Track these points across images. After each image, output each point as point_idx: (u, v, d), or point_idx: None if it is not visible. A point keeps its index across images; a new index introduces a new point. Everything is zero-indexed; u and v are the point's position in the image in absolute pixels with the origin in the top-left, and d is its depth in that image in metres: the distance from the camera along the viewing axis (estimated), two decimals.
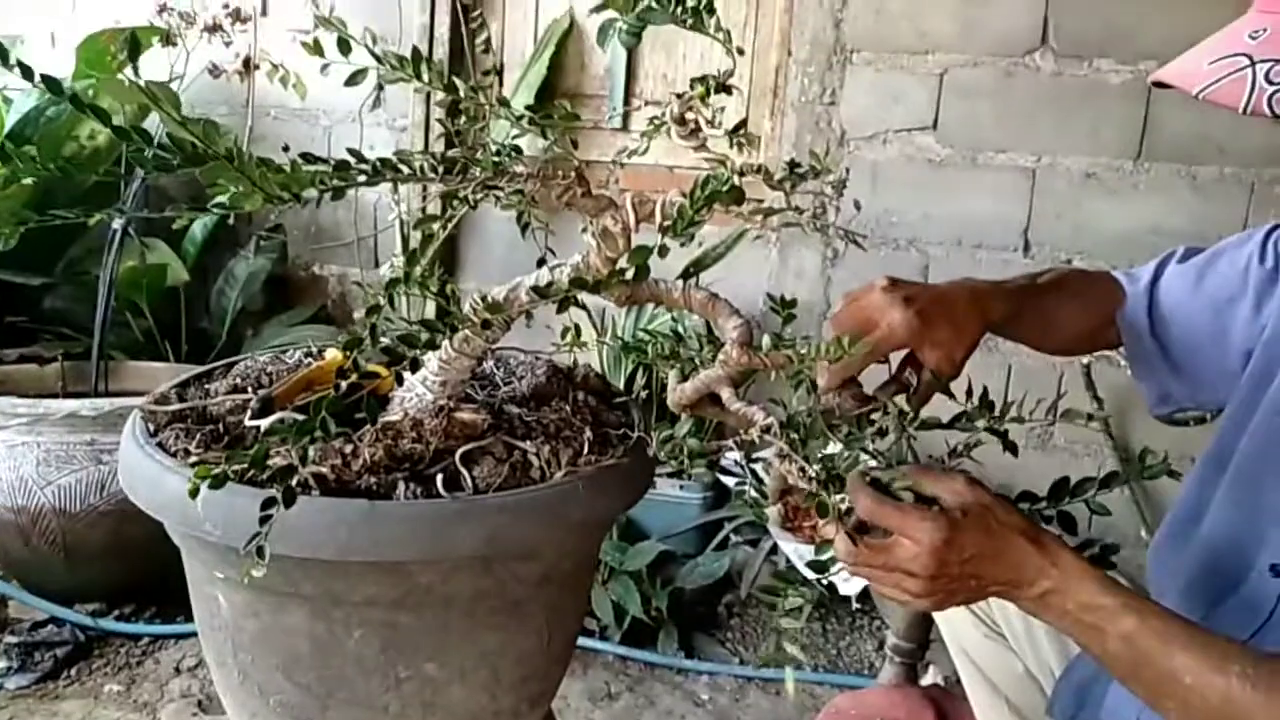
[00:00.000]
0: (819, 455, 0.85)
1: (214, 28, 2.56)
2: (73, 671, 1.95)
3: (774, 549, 2.27)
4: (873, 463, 0.84)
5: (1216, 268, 1.08)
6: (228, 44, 2.61)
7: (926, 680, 1.78)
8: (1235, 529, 0.95)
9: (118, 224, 2.24)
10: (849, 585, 2.07)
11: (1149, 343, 1.11)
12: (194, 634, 2.05)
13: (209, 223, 2.69)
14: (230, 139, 0.76)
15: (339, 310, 2.95)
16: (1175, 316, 1.10)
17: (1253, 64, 0.75)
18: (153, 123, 2.43)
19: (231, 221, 2.75)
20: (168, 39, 2.45)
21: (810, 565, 0.83)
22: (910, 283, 0.98)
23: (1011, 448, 0.87)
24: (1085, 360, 2.31)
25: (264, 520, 0.75)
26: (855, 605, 2.27)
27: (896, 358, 0.99)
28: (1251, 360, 1.02)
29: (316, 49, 0.83)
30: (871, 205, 2.41)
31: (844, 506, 0.85)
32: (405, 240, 2.65)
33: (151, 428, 1.00)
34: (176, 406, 1.03)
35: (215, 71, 2.65)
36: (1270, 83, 0.73)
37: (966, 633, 1.25)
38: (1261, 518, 0.93)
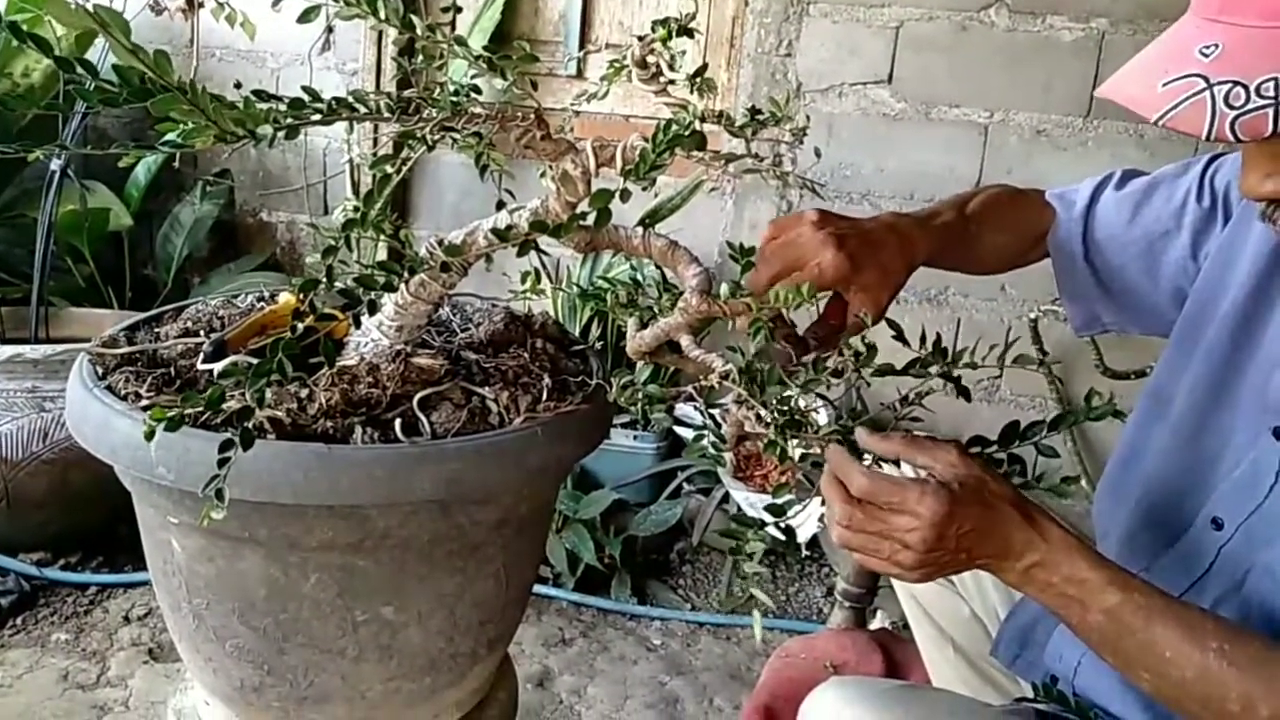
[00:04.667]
0: (775, 400, 0.85)
1: None
2: (18, 621, 1.92)
3: (725, 498, 2.30)
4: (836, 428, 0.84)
5: (1152, 201, 1.08)
6: None
7: (875, 625, 1.82)
8: (1176, 480, 0.97)
9: (56, 164, 2.17)
10: (804, 531, 2.10)
11: (1082, 267, 1.11)
12: (143, 583, 2.03)
13: (152, 166, 2.61)
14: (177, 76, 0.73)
15: (288, 257, 2.89)
16: (1109, 246, 1.10)
17: (1209, 86, 0.71)
18: (92, 59, 2.35)
19: (176, 165, 2.68)
20: None
21: (768, 509, 0.85)
22: (840, 217, 0.96)
23: (964, 392, 0.89)
24: (1033, 315, 2.35)
25: (222, 463, 0.74)
26: (805, 553, 2.31)
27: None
28: (1186, 303, 1.03)
29: None
30: (826, 158, 2.42)
31: (798, 452, 0.86)
32: (356, 185, 2.60)
33: (100, 371, 0.98)
34: (126, 349, 1.01)
35: (157, 8, 2.55)
36: (1230, 107, 0.70)
37: None
38: (1202, 470, 0.94)
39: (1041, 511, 0.80)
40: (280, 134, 0.80)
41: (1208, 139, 0.71)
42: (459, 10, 1.06)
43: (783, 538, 0.87)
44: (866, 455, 0.84)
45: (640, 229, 0.95)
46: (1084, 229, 1.11)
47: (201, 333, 1.05)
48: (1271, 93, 0.69)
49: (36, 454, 1.97)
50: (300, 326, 0.84)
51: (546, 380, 1.01)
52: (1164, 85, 0.73)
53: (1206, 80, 0.71)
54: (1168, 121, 0.72)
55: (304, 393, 0.90)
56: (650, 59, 0.88)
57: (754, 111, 0.90)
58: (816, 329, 0.97)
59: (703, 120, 0.86)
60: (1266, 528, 0.86)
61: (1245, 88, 0.70)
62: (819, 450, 0.85)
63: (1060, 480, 0.85)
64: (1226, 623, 0.78)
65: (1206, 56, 0.72)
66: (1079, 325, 1.18)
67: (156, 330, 1.08)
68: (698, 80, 0.92)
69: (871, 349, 0.85)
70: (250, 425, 0.78)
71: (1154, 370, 1.05)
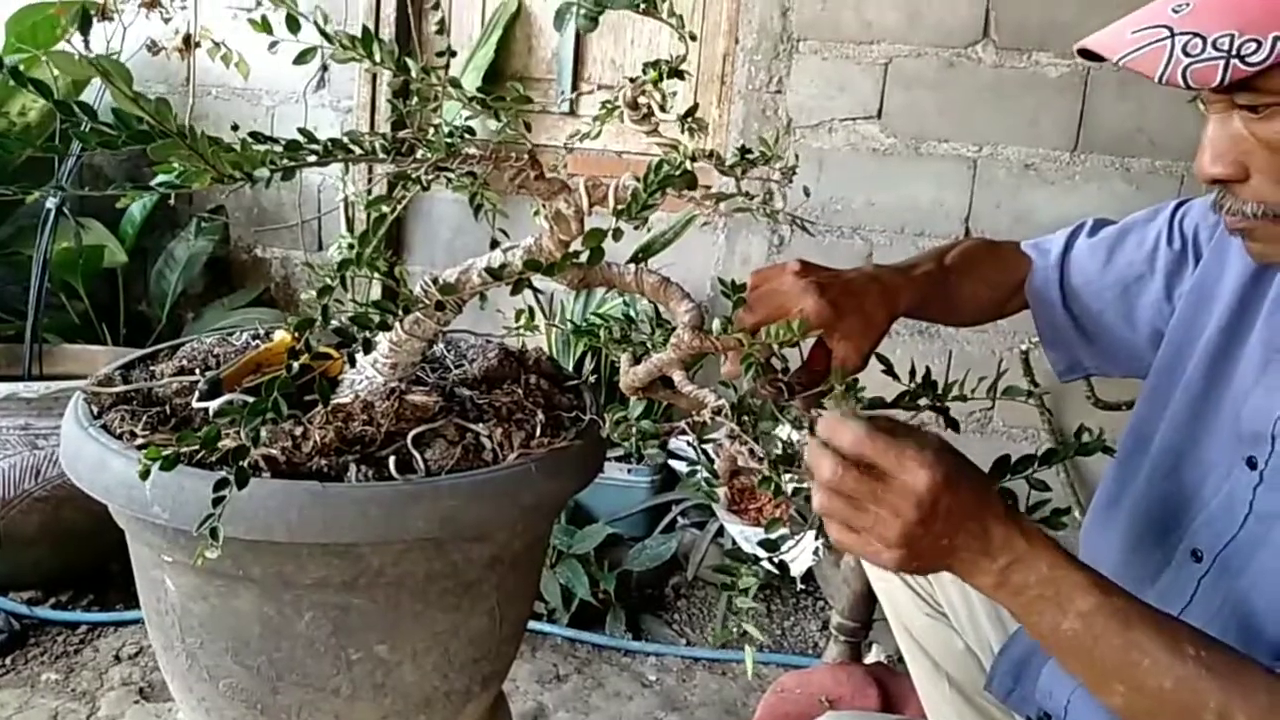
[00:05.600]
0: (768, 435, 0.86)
1: (152, 3, 2.49)
2: (8, 661, 1.90)
3: (720, 531, 2.29)
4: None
5: (1125, 246, 1.10)
6: (167, 20, 2.55)
7: (870, 659, 1.82)
8: (1158, 514, 0.98)
9: (52, 202, 2.18)
10: (799, 565, 2.10)
11: (1061, 315, 1.14)
12: (134, 621, 2.01)
13: (148, 203, 2.63)
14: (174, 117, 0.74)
15: (282, 293, 2.90)
16: (1086, 292, 1.12)
17: (1172, 35, 0.75)
18: (89, 98, 2.37)
19: (171, 202, 2.69)
20: (104, 13, 2.39)
21: (761, 544, 0.85)
22: (821, 268, 0.98)
23: (953, 424, 0.90)
24: (1024, 347, 2.37)
25: (217, 502, 0.75)
26: (800, 586, 2.31)
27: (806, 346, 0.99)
28: (1162, 344, 1.05)
29: (264, 26, 0.82)
30: (817, 193, 2.44)
31: (791, 487, 0.87)
32: (351, 222, 2.61)
33: (95, 410, 0.98)
34: (121, 388, 1.01)
35: (154, 48, 2.58)
36: (1187, 55, 0.74)
37: (909, 611, 1.28)
38: (1182, 503, 0.95)
39: (1017, 510, 0.78)
40: (276, 175, 0.81)
41: (1159, 81, 0.75)
42: (453, 54, 1.08)
43: (777, 572, 0.87)
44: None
45: (633, 266, 0.96)
46: (1060, 276, 1.14)
47: (197, 371, 1.06)
48: (1226, 46, 0.73)
49: (29, 491, 1.96)
50: (295, 365, 0.84)
51: (540, 416, 1.01)
52: (1133, 33, 0.78)
53: (1171, 30, 0.76)
54: (1128, 62, 0.77)
55: (299, 431, 0.91)
56: (642, 100, 0.89)
57: (744, 151, 0.92)
58: (800, 375, 0.97)
59: (694, 160, 0.87)
60: (1241, 559, 0.86)
61: (1203, 39, 0.74)
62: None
63: (1052, 513, 0.86)
64: (1198, 630, 0.76)
65: (1177, 13, 0.77)
66: (1061, 371, 1.20)
67: (152, 368, 1.08)
68: (689, 120, 0.94)
69: (853, 384, 0.86)
70: (245, 464, 0.78)
71: (1134, 409, 1.07)
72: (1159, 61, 0.75)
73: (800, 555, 2.07)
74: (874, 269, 1.04)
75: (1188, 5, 0.77)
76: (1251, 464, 0.88)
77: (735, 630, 2.16)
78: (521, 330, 1.06)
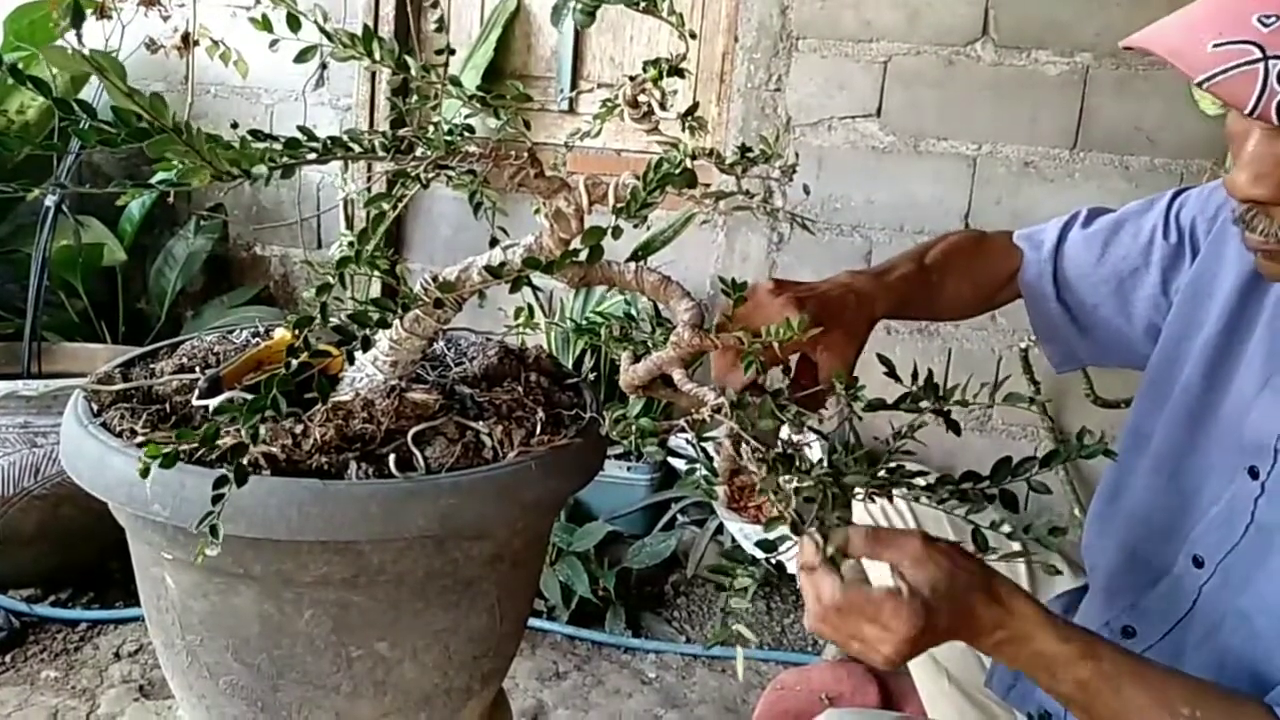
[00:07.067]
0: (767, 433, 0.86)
1: (151, 1, 2.49)
2: (7, 659, 1.90)
3: (720, 529, 2.30)
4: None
5: (1120, 238, 1.08)
6: (165, 18, 2.55)
7: None
8: (1158, 517, 0.98)
9: (51, 201, 2.18)
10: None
11: (1055, 308, 1.13)
12: (134, 619, 2.01)
13: (147, 201, 2.63)
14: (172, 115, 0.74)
15: (281, 291, 2.90)
16: (1080, 285, 1.11)
17: (1265, 58, 0.65)
18: (87, 96, 2.36)
19: (171, 200, 2.70)
20: (102, 11, 2.38)
21: (759, 544, 0.85)
22: (795, 283, 0.98)
23: (954, 427, 0.89)
24: (1024, 345, 2.37)
25: (216, 499, 0.75)
26: (800, 583, 2.31)
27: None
28: (1160, 339, 1.04)
29: (264, 24, 0.82)
30: (817, 191, 2.44)
31: (792, 486, 0.87)
32: (350, 220, 2.61)
33: (95, 408, 0.98)
34: (121, 386, 1.01)
35: (153, 46, 2.58)
36: None
37: None
38: (1183, 507, 0.95)
39: (1008, 585, 0.80)
40: (275, 173, 0.80)
41: (1249, 114, 0.66)
42: (453, 52, 1.08)
43: (776, 571, 0.87)
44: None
45: (632, 264, 0.96)
46: (1054, 269, 1.12)
47: (197, 369, 1.06)
48: None
49: (28, 489, 1.96)
50: (295, 362, 0.84)
51: (540, 414, 1.01)
52: (1215, 46, 0.68)
53: (1263, 51, 0.66)
54: (1212, 85, 0.67)
55: (299, 428, 0.90)
56: (641, 98, 0.89)
57: (744, 149, 0.92)
58: (792, 393, 0.97)
59: (693, 158, 0.87)
60: (1242, 569, 0.86)
61: None
62: (811, 484, 0.85)
63: (1050, 530, 0.85)
64: (1192, 682, 0.78)
65: (1266, 26, 0.66)
66: (1058, 363, 1.19)
67: (152, 366, 1.08)
68: (688, 118, 0.93)
69: (853, 381, 0.86)
70: (245, 461, 0.78)
71: (1132, 405, 1.06)
72: (1251, 90, 0.65)
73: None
74: (848, 277, 1.02)
75: (1277, 18, 0.66)
76: (1254, 474, 0.87)
77: (731, 629, 2.16)
78: (521, 328, 1.06)
